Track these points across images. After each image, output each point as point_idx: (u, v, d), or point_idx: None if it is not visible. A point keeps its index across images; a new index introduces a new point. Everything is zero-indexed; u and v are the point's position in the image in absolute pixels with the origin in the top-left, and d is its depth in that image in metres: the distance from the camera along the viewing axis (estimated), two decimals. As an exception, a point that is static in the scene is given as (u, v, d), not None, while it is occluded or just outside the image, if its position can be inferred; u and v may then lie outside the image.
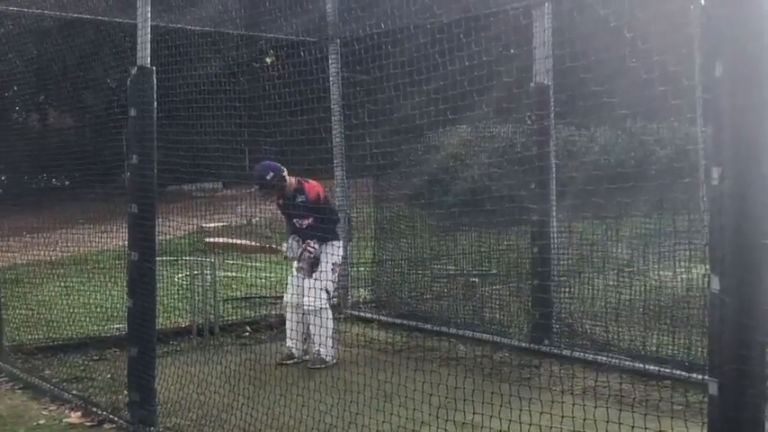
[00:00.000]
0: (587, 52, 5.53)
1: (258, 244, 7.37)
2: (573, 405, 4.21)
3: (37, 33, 8.21)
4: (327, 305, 7.20)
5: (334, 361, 7.14)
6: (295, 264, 7.29)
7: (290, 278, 7.42)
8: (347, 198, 9.08)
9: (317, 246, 7.14)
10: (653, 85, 4.89)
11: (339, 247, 7.44)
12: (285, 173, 7.22)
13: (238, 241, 7.39)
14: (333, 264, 7.27)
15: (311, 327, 7.06)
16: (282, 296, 7.63)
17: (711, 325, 2.74)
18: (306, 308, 7.05)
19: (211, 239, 7.45)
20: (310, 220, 7.21)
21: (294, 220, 7.31)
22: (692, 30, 5.96)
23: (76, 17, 7.85)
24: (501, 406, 4.32)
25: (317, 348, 7.11)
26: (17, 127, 10.14)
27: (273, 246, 7.40)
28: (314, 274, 7.11)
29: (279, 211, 7.63)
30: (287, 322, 7.40)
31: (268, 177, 7.12)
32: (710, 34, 2.78)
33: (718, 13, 2.75)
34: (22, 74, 8.44)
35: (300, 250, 7.17)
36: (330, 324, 7.15)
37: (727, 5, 2.72)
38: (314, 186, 7.28)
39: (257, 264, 9.60)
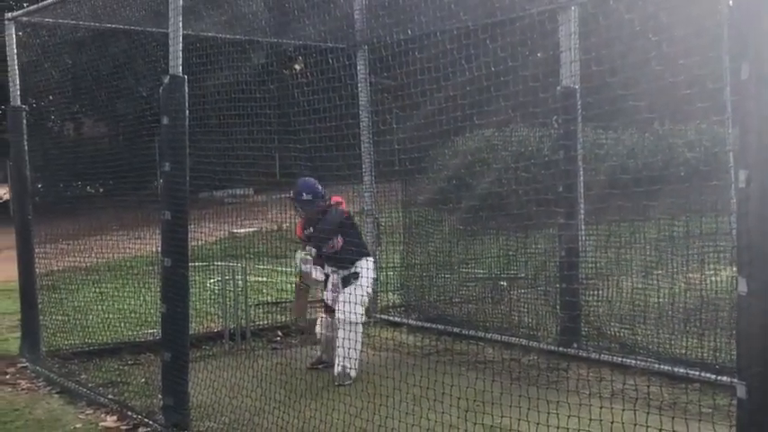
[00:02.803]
0: (613, 55, 5.54)
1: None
2: (601, 408, 4.22)
3: (71, 44, 8.37)
4: (362, 320, 7.03)
5: (354, 375, 6.90)
6: (330, 291, 7.17)
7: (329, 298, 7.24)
8: (375, 203, 9.13)
9: (320, 277, 7.08)
10: (680, 88, 4.89)
11: (373, 262, 7.36)
12: (324, 199, 7.10)
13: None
14: (371, 279, 7.19)
15: (341, 338, 6.81)
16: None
17: (739, 327, 2.76)
18: (339, 318, 6.87)
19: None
20: (339, 240, 7.06)
21: (323, 248, 7.07)
22: (719, 32, 5.95)
23: (110, 27, 7.99)
24: (529, 409, 4.35)
25: (342, 363, 6.79)
26: (53, 136, 10.32)
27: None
28: (351, 287, 6.96)
29: (302, 238, 7.36)
30: (319, 331, 7.36)
31: (303, 197, 7.00)
32: (738, 36, 2.79)
33: (746, 16, 2.77)
34: (57, 83, 8.61)
35: (309, 267, 7.03)
36: (360, 340, 6.94)
37: (754, 8, 2.73)
38: (339, 202, 7.21)
39: (287, 269, 9.68)
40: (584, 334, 7.30)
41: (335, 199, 7.30)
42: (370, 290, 7.24)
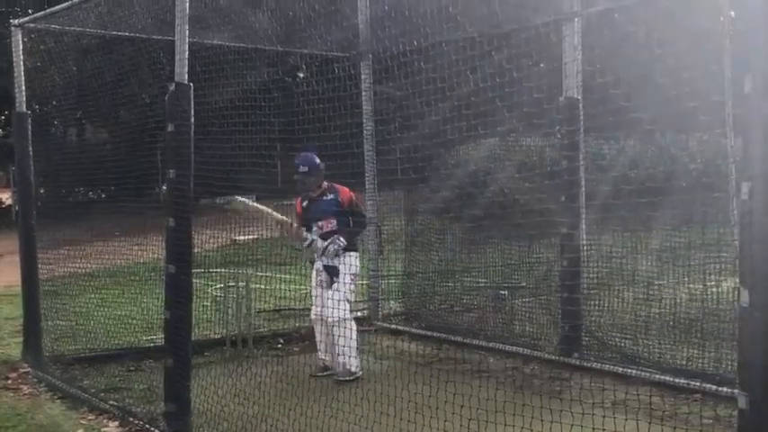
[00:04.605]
0: (616, 67, 5.57)
1: (287, 219, 7.34)
2: (603, 418, 4.23)
3: (77, 50, 8.41)
4: (350, 316, 7.15)
5: (360, 372, 7.13)
6: (314, 277, 7.32)
7: (313, 290, 7.44)
8: (378, 211, 9.15)
9: (343, 242, 7.12)
10: (683, 99, 4.93)
11: (357, 258, 7.38)
12: (320, 171, 7.23)
13: (265, 209, 7.39)
14: (352, 275, 7.26)
15: (335, 338, 6.98)
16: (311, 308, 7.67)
17: (741, 338, 2.77)
18: (329, 320, 7.02)
19: (244, 200, 7.47)
20: (334, 222, 7.18)
21: (318, 223, 7.21)
22: (721, 44, 5.98)
23: (115, 35, 8.03)
24: (532, 418, 4.36)
25: (342, 360, 7.03)
26: (57, 141, 10.36)
27: (301, 232, 7.30)
28: (333, 286, 7.09)
29: (300, 215, 7.45)
30: (316, 335, 7.44)
31: (300, 169, 7.16)
32: (740, 48, 2.82)
33: (748, 27, 2.79)
34: (62, 89, 8.64)
35: (328, 242, 7.11)
36: (354, 335, 7.07)
37: (756, 20, 2.76)
38: (346, 190, 7.35)
39: (288, 276, 9.70)
40: (586, 344, 7.31)
41: (345, 188, 7.37)
42: (352, 286, 7.30)
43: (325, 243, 7.16)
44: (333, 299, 6.92)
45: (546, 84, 6.80)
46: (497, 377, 6.63)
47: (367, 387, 6.39)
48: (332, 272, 7.19)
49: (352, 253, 7.29)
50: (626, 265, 7.59)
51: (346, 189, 7.37)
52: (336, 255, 7.14)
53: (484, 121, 6.11)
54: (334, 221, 7.21)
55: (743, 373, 2.74)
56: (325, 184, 7.33)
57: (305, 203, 7.37)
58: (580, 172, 7.25)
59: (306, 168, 7.19)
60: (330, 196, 7.28)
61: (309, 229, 7.26)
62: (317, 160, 7.23)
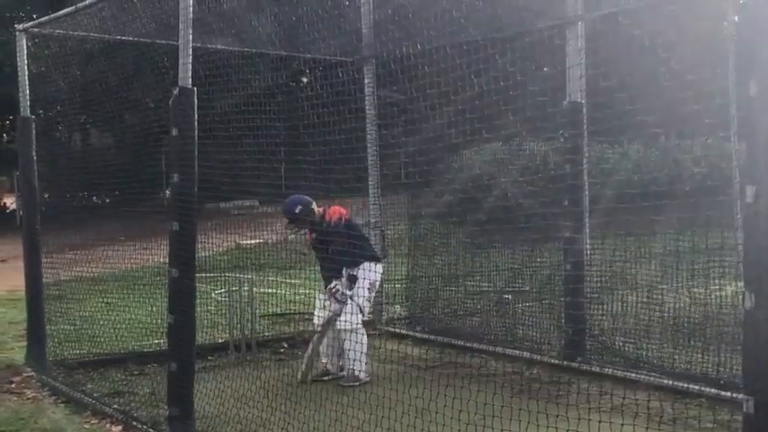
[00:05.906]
0: (620, 71, 5.57)
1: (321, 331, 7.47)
2: (606, 423, 4.22)
3: (81, 55, 8.41)
4: (361, 323, 7.21)
5: (367, 378, 7.17)
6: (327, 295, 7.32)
7: (318, 295, 7.46)
8: (382, 215, 9.15)
9: (340, 285, 7.13)
10: (687, 103, 4.93)
11: (378, 265, 7.44)
12: (314, 204, 7.29)
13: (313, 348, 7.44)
14: (370, 282, 7.28)
15: (346, 343, 7.08)
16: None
17: (746, 342, 2.77)
18: (340, 326, 7.07)
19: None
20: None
21: (329, 249, 7.29)
22: (726, 47, 5.98)
23: (119, 39, 8.03)
24: (536, 423, 4.35)
25: (350, 366, 7.11)
26: (61, 146, 10.38)
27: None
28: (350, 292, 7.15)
29: (312, 248, 7.65)
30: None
31: (297, 211, 7.20)
32: (745, 53, 2.81)
33: (752, 31, 2.79)
34: (66, 94, 8.66)
35: (328, 296, 7.19)
36: (365, 341, 7.13)
37: (761, 25, 2.76)
38: (334, 215, 7.31)
39: (294, 280, 9.72)
40: (589, 348, 7.30)
41: (334, 209, 7.37)
42: (367, 293, 7.32)
43: (326, 298, 7.21)
44: (347, 311, 6.97)
45: (549, 88, 6.81)
46: (500, 381, 6.61)
47: (370, 391, 6.38)
48: (351, 279, 7.20)
49: (372, 263, 7.33)
50: (629, 269, 7.58)
51: (334, 211, 7.33)
52: (342, 297, 7.12)
53: (487, 126, 6.12)
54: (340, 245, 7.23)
55: (748, 377, 2.74)
56: (320, 210, 7.34)
57: (313, 235, 7.43)
58: (583, 176, 7.24)
59: (300, 208, 7.20)
60: (325, 225, 7.29)
61: (328, 252, 7.29)
62: (296, 208, 7.20)
